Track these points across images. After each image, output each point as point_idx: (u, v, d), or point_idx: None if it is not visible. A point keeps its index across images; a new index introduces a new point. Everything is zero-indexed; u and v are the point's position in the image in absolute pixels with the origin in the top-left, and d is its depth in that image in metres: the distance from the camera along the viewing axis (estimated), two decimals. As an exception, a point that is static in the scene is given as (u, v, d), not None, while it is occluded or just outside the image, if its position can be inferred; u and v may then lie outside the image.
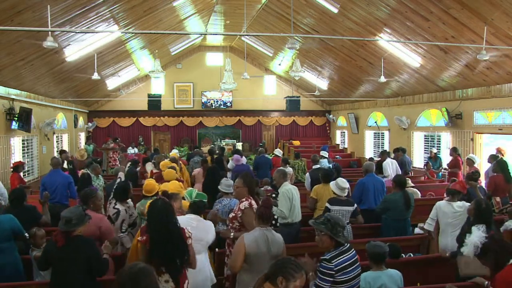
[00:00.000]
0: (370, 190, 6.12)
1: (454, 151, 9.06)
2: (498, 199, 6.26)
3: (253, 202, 3.94)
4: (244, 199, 4.03)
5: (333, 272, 2.87)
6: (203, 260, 3.69)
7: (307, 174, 7.76)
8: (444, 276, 4.17)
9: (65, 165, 8.38)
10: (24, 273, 4.15)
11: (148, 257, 3.00)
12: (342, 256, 2.95)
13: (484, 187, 6.88)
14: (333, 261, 2.91)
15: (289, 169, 8.90)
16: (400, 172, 9.00)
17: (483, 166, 8.97)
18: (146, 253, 3.04)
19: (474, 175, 6.26)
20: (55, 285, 3.24)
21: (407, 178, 7.30)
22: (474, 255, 2.92)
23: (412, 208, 5.48)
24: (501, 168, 6.49)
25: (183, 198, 4.17)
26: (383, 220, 5.41)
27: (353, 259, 3.01)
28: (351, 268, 2.96)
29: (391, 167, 8.77)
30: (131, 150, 15.47)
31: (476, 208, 3.85)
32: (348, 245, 3.08)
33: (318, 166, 8.54)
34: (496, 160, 6.91)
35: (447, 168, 9.25)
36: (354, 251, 3.08)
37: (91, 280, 3.23)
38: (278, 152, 10.93)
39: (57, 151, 12.75)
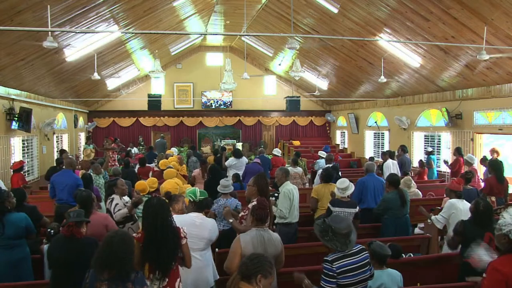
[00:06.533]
0: (369, 189, 6.15)
1: (457, 151, 9.06)
2: (493, 198, 6.29)
3: None
4: (255, 199, 3.99)
5: (335, 274, 2.80)
6: (207, 257, 3.72)
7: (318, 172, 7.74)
8: (444, 276, 4.17)
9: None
10: (33, 270, 4.26)
11: (142, 255, 3.00)
12: (345, 259, 2.86)
13: (477, 188, 6.88)
14: (334, 263, 2.83)
15: (298, 169, 8.91)
16: (400, 174, 9.00)
17: (482, 166, 8.96)
18: (139, 250, 3.01)
19: (467, 175, 6.20)
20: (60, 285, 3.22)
21: (410, 179, 7.31)
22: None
23: (408, 204, 5.51)
24: (493, 168, 6.52)
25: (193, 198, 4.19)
26: (383, 220, 5.42)
27: (360, 263, 2.90)
28: (356, 272, 2.86)
29: (391, 168, 8.74)
30: (133, 150, 15.43)
31: (475, 209, 3.84)
32: (359, 248, 2.98)
33: (330, 165, 8.50)
34: (488, 161, 6.95)
35: (450, 168, 9.25)
36: (365, 255, 2.98)
37: None
38: (277, 151, 10.84)
39: (57, 151, 12.76)
